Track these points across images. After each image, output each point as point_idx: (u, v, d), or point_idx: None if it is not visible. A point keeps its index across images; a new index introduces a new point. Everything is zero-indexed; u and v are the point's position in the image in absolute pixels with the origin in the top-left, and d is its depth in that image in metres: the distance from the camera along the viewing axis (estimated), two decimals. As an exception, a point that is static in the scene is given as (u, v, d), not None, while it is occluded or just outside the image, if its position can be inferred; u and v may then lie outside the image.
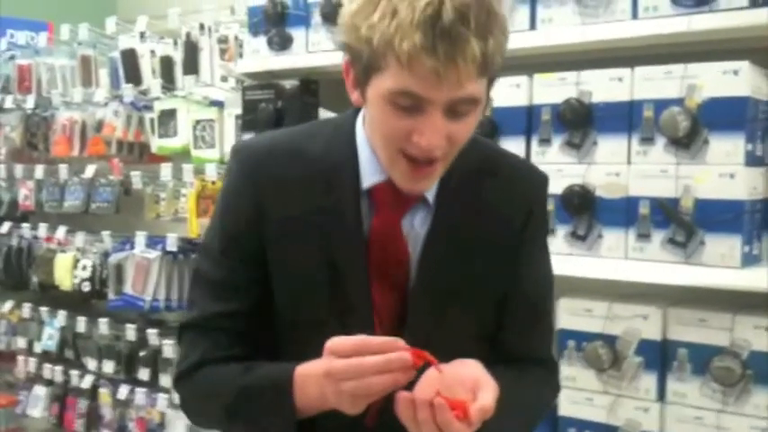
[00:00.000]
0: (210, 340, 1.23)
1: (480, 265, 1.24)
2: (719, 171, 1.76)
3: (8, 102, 3.69)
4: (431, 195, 1.23)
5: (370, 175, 1.21)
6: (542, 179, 1.36)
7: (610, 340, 1.91)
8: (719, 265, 1.76)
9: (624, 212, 1.88)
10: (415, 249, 1.23)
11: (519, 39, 2.05)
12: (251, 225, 1.22)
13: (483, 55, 1.04)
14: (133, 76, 3.19)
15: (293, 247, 1.21)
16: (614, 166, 1.89)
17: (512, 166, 1.35)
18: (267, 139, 1.32)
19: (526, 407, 1.26)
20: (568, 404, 1.98)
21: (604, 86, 1.91)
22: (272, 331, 1.25)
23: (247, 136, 2.63)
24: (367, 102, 1.14)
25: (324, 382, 1.09)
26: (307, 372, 1.13)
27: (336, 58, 2.42)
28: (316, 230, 1.20)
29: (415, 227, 1.23)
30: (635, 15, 1.89)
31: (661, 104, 1.82)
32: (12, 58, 3.77)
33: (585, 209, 1.93)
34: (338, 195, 1.21)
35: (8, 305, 3.83)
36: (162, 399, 3.19)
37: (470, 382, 1.07)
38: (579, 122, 1.94)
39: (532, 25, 2.05)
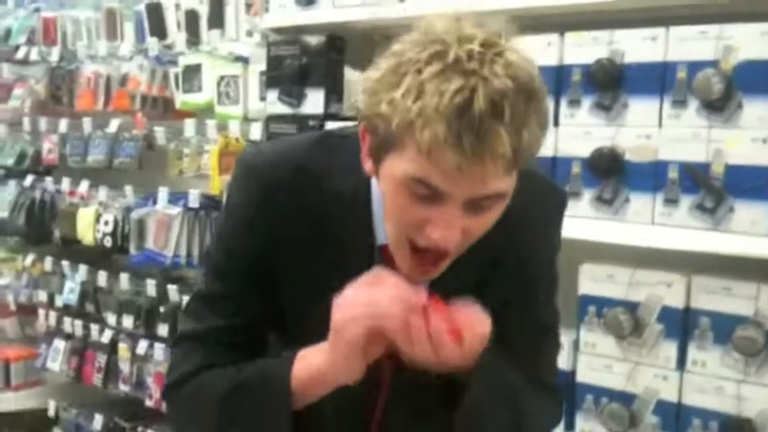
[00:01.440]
0: (207, 352, 1.21)
1: (495, 295, 1.14)
2: (752, 136, 1.70)
3: (33, 54, 3.68)
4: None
5: (383, 233, 1.13)
6: (557, 201, 1.30)
7: (631, 307, 1.88)
8: (748, 232, 1.71)
9: (652, 177, 1.84)
10: None
11: (549, -3, 2.01)
12: (260, 257, 1.18)
13: (515, 151, 0.93)
14: (158, 29, 3.16)
15: (304, 301, 1.17)
16: (645, 129, 1.85)
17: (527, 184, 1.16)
18: (276, 157, 1.20)
19: (517, 395, 1.21)
20: (587, 370, 1.95)
21: (637, 46, 1.86)
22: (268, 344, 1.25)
23: (271, 93, 2.61)
24: (380, 177, 1.05)
25: (330, 338, 1.06)
26: (308, 351, 1.13)
27: (364, 14, 2.40)
28: (326, 285, 1.07)
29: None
30: (672, -27, 1.84)
31: (695, 66, 1.77)
32: (37, 10, 3.76)
33: (613, 172, 1.89)
34: (351, 249, 1.15)
35: (30, 258, 3.85)
36: (180, 354, 3.20)
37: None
38: (610, 83, 1.89)
39: (565, -18, 1.99)
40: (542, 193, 1.26)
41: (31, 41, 3.73)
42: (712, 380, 1.79)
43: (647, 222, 1.85)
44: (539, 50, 1.96)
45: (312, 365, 1.12)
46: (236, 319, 1.20)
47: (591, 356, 1.94)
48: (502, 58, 0.95)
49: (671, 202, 1.81)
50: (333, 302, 1.05)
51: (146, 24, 3.19)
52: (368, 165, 1.08)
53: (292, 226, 1.16)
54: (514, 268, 1.21)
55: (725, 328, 1.77)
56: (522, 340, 1.23)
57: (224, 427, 1.17)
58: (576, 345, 1.98)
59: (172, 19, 3.14)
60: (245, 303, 1.20)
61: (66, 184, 3.62)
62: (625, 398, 1.89)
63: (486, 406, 1.15)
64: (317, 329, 1.09)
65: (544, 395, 1.30)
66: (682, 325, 1.83)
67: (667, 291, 1.83)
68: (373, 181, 1.13)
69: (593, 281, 1.94)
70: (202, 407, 1.20)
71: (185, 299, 3.10)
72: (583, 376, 1.96)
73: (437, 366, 1.03)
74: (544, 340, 1.32)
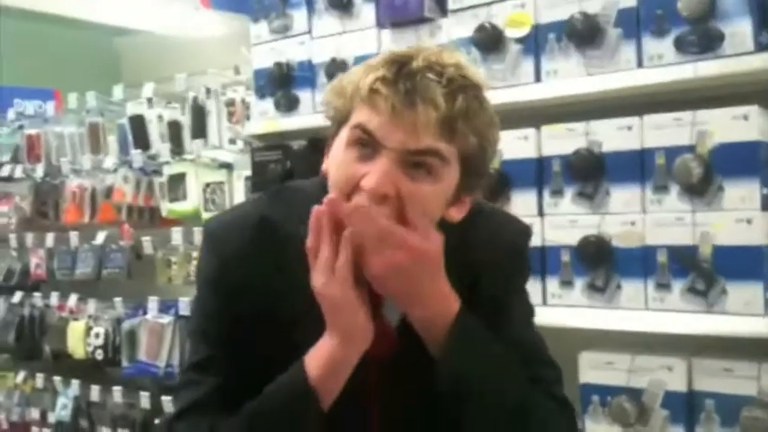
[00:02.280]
0: (214, 414, 1.15)
1: None
2: (736, 217, 1.73)
3: (18, 171, 3.72)
4: None
5: None
6: (516, 234, 1.30)
7: (635, 394, 1.86)
8: (743, 312, 1.72)
9: (642, 262, 1.85)
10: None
11: (525, 91, 2.06)
12: (235, 312, 1.17)
13: (448, 111, 1.03)
14: (142, 141, 3.21)
15: (280, 348, 1.15)
16: (629, 216, 1.87)
17: (491, 221, 1.28)
18: (236, 219, 1.25)
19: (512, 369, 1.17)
20: (595, 461, 1.93)
21: (614, 135, 1.90)
22: None
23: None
24: (330, 158, 1.14)
25: (327, 317, 1.08)
26: (312, 350, 1.12)
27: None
28: (295, 324, 1.14)
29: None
30: (640, 64, 1.89)
31: (673, 152, 1.80)
32: (20, 127, 3.80)
33: (602, 260, 1.90)
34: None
35: (21, 376, 3.80)
36: (179, 466, 3.13)
37: None
38: (591, 173, 1.93)
39: (537, 77, 2.04)
40: (508, 222, 1.31)
41: (15, 159, 3.76)
42: (722, 463, 1.77)
43: (641, 307, 1.86)
44: (517, 144, 2.02)
45: (323, 355, 1.10)
46: (232, 374, 1.17)
47: (598, 447, 1.92)
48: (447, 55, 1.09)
49: (663, 286, 1.82)
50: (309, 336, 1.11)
51: (129, 137, 3.23)
52: (325, 165, 1.16)
53: (256, 277, 1.17)
54: (489, 294, 1.21)
55: (730, 410, 1.75)
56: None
57: None
58: (581, 435, 1.96)
59: (155, 130, 3.19)
60: (236, 358, 1.17)
61: (54, 298, 3.61)
62: (636, 487, 1.86)
63: (470, 356, 1.13)
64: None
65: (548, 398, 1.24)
66: (687, 408, 1.81)
67: (669, 375, 1.83)
68: None
69: (593, 369, 1.93)
70: None
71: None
72: (591, 467, 1.93)
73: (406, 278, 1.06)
74: (534, 358, 1.26)
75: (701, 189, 1.78)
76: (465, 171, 1.09)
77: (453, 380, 1.12)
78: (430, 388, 1.14)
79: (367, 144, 1.06)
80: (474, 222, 1.22)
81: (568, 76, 1.99)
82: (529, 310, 1.32)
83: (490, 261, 1.22)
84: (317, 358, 1.11)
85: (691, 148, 1.78)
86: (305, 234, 1.10)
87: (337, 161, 1.10)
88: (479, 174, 1.13)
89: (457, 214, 1.14)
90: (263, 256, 1.17)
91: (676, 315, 1.80)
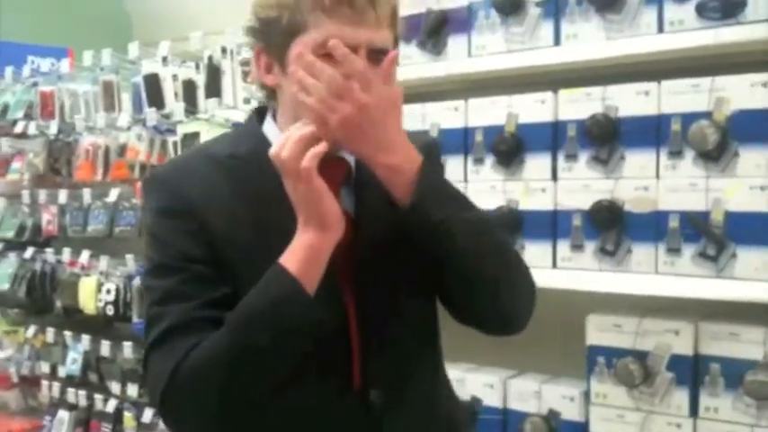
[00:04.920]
0: (190, 334, 1.15)
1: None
2: (750, 183, 1.75)
3: (32, 128, 3.72)
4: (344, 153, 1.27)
5: None
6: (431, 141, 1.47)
7: (640, 356, 1.89)
8: (752, 278, 1.74)
9: (653, 227, 1.87)
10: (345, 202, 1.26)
11: (543, 54, 2.06)
12: (193, 227, 1.21)
13: (394, 8, 1.21)
14: (156, 100, 3.21)
15: (245, 241, 1.21)
16: (643, 181, 1.89)
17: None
18: (170, 160, 1.39)
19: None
20: (599, 421, 1.96)
21: (630, 101, 1.91)
22: None
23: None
24: (287, 72, 1.20)
25: (298, 209, 1.16)
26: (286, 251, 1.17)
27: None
28: (256, 220, 1.22)
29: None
30: (660, 29, 1.89)
31: (689, 118, 1.82)
32: (35, 84, 3.81)
33: (614, 224, 1.92)
34: (261, 182, 1.22)
35: (32, 330, 3.84)
36: (186, 422, 3.17)
37: None
38: (606, 137, 1.94)
39: (557, 41, 2.05)
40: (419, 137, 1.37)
41: (29, 115, 3.77)
42: (726, 426, 1.80)
43: (651, 272, 1.88)
44: (533, 107, 2.03)
45: (301, 248, 1.16)
46: (199, 296, 1.18)
47: (602, 407, 1.95)
48: None
49: (673, 251, 1.84)
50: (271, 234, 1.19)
51: (143, 95, 3.23)
52: (269, 78, 1.25)
53: (202, 187, 1.24)
54: None
55: (735, 374, 1.78)
56: None
57: (245, 354, 1.13)
58: (587, 396, 1.98)
59: (169, 89, 3.19)
60: (199, 280, 1.19)
61: (66, 254, 3.63)
62: (640, 448, 1.89)
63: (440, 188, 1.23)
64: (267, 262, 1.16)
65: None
66: (692, 372, 1.84)
67: (675, 338, 1.85)
68: (266, 124, 1.30)
69: (600, 331, 1.96)
70: (211, 364, 1.14)
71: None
72: (595, 427, 1.96)
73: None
74: None
75: (715, 155, 1.79)
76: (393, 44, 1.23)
77: (432, 222, 1.17)
78: (398, 261, 1.23)
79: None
80: None
81: (588, 41, 2.00)
82: None
83: None
84: (294, 253, 1.16)
85: (707, 115, 1.79)
86: (250, 150, 1.25)
87: (309, 72, 1.15)
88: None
89: None
90: (210, 173, 1.25)
91: (686, 279, 1.82)
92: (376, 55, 1.18)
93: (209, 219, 1.21)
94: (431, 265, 1.22)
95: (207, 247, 1.20)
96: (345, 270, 1.23)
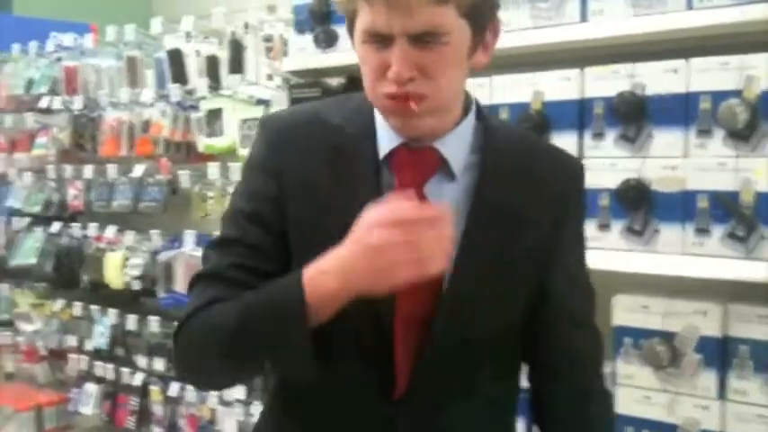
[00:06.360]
0: (221, 287, 1.18)
1: (520, 248, 1.21)
2: (781, 163, 1.72)
3: (56, 103, 3.74)
4: (456, 166, 1.20)
5: (387, 145, 1.20)
6: (581, 165, 1.35)
7: (668, 337, 1.88)
8: (782, 259, 1.72)
9: (681, 207, 1.84)
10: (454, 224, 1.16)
11: (569, 31, 2.03)
12: (274, 192, 1.21)
13: None
14: (179, 75, 3.21)
15: (314, 217, 1.19)
16: (671, 160, 1.86)
17: (551, 147, 1.36)
18: (290, 110, 1.38)
19: None
20: (626, 402, 1.95)
21: (659, 78, 1.87)
22: None
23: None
24: (357, 52, 1.16)
25: (354, 257, 1.05)
26: (321, 263, 1.09)
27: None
28: (337, 200, 1.18)
29: (445, 199, 1.19)
30: (689, 6, 1.85)
31: (718, 96, 1.78)
32: (58, 59, 3.82)
33: (641, 203, 1.90)
34: (358, 165, 1.20)
35: (59, 304, 3.89)
36: (212, 396, 3.22)
37: None
38: (633, 115, 1.91)
39: (583, 17, 2.01)
40: (565, 160, 1.34)
41: (53, 91, 3.78)
42: (754, 408, 1.78)
43: (679, 252, 1.86)
44: (559, 85, 2.00)
45: (329, 286, 1.09)
46: (250, 260, 1.19)
47: (629, 388, 1.94)
48: None
49: (702, 231, 1.82)
50: (344, 215, 1.10)
51: (167, 71, 3.23)
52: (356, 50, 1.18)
53: (302, 158, 1.22)
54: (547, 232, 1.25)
55: (764, 356, 1.77)
56: (558, 317, 1.29)
57: (237, 343, 1.13)
58: (613, 377, 1.98)
59: (192, 65, 3.19)
60: (260, 247, 1.20)
61: (92, 229, 3.66)
62: (666, 429, 1.88)
63: None
64: (325, 247, 1.10)
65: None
66: (720, 354, 1.83)
67: (703, 320, 1.84)
68: (376, 112, 1.23)
69: (627, 312, 1.94)
70: (211, 333, 1.16)
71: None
72: (622, 408, 1.95)
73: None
74: (582, 322, 1.34)
75: (745, 134, 1.76)
76: (472, 16, 1.12)
77: None
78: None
79: (379, 40, 1.11)
80: (535, 143, 1.35)
81: (615, 17, 1.96)
82: (586, 270, 1.37)
83: (550, 195, 1.25)
84: (318, 270, 1.10)
85: (737, 93, 1.76)
86: (360, 142, 1.20)
87: (360, 57, 1.15)
88: (488, 7, 1.16)
89: (484, 58, 1.19)
90: (312, 142, 1.22)
91: (715, 260, 1.80)
92: (420, 41, 1.09)
93: (292, 189, 1.21)
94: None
95: (283, 221, 1.20)
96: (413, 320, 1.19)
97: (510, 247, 1.21)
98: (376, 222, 1.04)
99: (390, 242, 1.02)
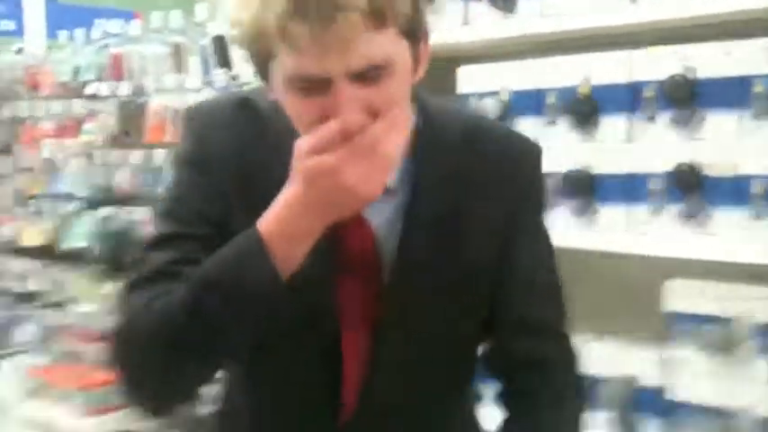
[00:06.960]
0: (165, 284, 1.05)
1: (462, 263, 1.15)
2: (837, 148, 1.69)
3: (103, 90, 3.79)
4: (391, 180, 1.09)
5: None
6: (535, 151, 1.25)
7: (723, 323, 1.87)
8: (840, 245, 1.70)
9: (735, 191, 1.82)
10: (388, 240, 1.13)
11: (618, 14, 2.00)
12: (205, 184, 1.13)
13: (368, 4, 0.90)
14: (224, 61, 3.23)
15: (248, 205, 1.08)
16: (724, 144, 1.83)
17: (501, 136, 1.24)
18: (217, 98, 1.28)
19: None
20: (680, 388, 1.94)
21: (710, 61, 1.84)
22: None
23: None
24: (276, 93, 1.03)
25: (297, 189, 0.98)
26: (269, 209, 1.01)
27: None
28: (266, 185, 1.06)
29: (385, 213, 1.12)
30: (742, -13, 1.82)
31: (772, 79, 1.75)
32: (105, 46, 3.86)
33: (694, 188, 1.88)
34: (287, 155, 1.01)
35: (110, 287, 3.96)
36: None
37: None
38: (685, 99, 1.88)
39: (633, -1, 1.99)
40: (516, 148, 1.25)
41: (99, 78, 3.83)
42: (810, 395, 1.77)
43: (733, 237, 1.84)
44: (608, 68, 1.98)
45: (288, 230, 1.01)
46: (191, 253, 1.08)
47: (683, 373, 1.94)
48: None
49: (756, 216, 1.80)
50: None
51: (211, 57, 3.25)
52: (273, 94, 1.06)
53: (235, 147, 1.14)
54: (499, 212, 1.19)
55: (822, 344, 1.75)
56: (515, 291, 1.21)
57: (194, 317, 1.02)
58: (666, 362, 1.97)
59: (237, 51, 3.20)
60: (197, 235, 1.10)
61: (140, 213, 3.72)
62: (720, 415, 1.87)
63: None
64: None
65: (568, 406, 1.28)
66: (775, 340, 1.81)
67: (760, 306, 1.82)
68: None
69: (682, 297, 1.93)
70: (163, 318, 1.03)
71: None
72: (676, 393, 1.95)
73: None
74: (539, 287, 1.25)
75: (801, 118, 1.73)
76: (410, 31, 0.99)
77: None
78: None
79: (311, 86, 0.96)
80: (476, 138, 1.18)
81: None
82: (546, 242, 1.27)
83: (497, 193, 1.18)
84: (272, 218, 1.02)
85: (792, 76, 1.73)
86: (287, 120, 1.05)
87: (287, 107, 1.02)
88: (422, 15, 1.03)
89: (421, 72, 1.07)
90: (243, 127, 1.14)
91: (769, 246, 1.78)
92: (363, 77, 0.95)
93: (224, 178, 1.13)
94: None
95: (223, 206, 1.12)
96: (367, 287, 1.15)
97: (451, 265, 1.15)
98: (308, 149, 0.96)
99: (326, 161, 0.94)
